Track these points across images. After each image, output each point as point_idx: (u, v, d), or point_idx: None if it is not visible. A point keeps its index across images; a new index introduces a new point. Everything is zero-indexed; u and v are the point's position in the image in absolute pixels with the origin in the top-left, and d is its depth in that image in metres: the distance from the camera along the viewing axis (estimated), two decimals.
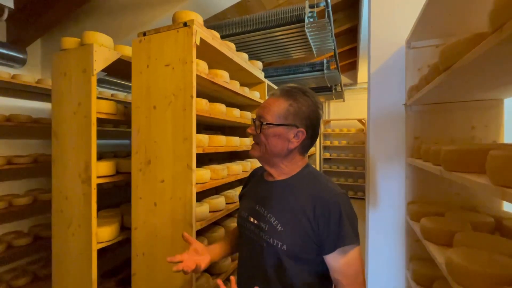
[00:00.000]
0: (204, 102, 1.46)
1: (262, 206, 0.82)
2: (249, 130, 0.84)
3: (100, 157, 1.89)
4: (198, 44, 1.29)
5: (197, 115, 1.32)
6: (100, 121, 1.57)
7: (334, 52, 3.40)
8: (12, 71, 2.62)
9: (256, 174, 0.99)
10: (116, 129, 3.17)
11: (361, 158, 6.42)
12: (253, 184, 0.96)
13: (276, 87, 2.77)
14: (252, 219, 0.83)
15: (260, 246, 0.79)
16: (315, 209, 0.73)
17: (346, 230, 0.70)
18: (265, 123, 0.79)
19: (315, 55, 3.07)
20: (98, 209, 1.57)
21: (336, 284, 0.75)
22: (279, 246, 0.74)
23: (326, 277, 0.78)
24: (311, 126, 0.80)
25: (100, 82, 3.23)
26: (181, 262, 0.78)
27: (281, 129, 0.78)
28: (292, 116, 0.78)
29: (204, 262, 0.85)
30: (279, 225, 0.76)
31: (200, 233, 1.57)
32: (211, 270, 1.63)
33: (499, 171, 0.55)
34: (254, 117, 0.85)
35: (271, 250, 0.76)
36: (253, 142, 0.86)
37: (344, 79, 6.74)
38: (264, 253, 0.78)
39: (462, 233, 0.99)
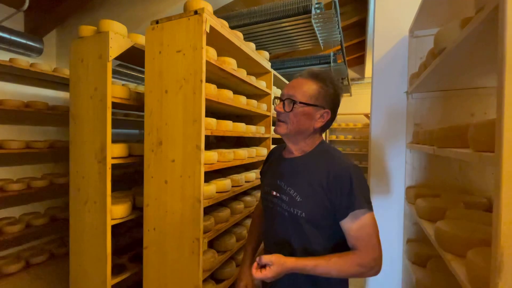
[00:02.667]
0: (212, 87, 1.54)
1: (282, 181, 0.90)
2: (277, 108, 0.88)
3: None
4: (208, 31, 1.36)
5: (206, 100, 1.39)
6: (113, 108, 1.66)
7: (341, 45, 3.42)
8: (29, 60, 2.74)
9: (275, 153, 1.07)
10: (127, 118, 3.29)
11: (367, 153, 6.42)
12: (272, 162, 1.04)
13: (283, 79, 2.83)
14: (274, 193, 0.92)
15: (282, 215, 0.88)
16: (328, 180, 0.81)
17: (356, 196, 0.77)
18: (298, 102, 0.84)
19: (322, 47, 3.11)
20: (111, 192, 1.68)
21: (352, 249, 0.80)
22: (299, 214, 0.83)
23: (343, 245, 0.84)
24: (334, 108, 0.89)
25: (112, 72, 3.34)
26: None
27: (311, 109, 0.85)
28: (321, 98, 0.85)
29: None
30: (298, 196, 0.84)
31: (207, 212, 1.66)
32: (217, 247, 1.73)
33: (477, 138, 0.62)
34: (277, 95, 0.91)
35: (292, 218, 0.85)
36: (279, 120, 0.90)
37: (352, 73, 6.72)
38: (286, 222, 0.87)
39: (454, 209, 1.05)
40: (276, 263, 0.74)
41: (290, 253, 0.85)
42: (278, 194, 0.90)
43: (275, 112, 0.90)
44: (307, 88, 0.85)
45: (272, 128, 2.44)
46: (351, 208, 0.77)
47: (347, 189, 0.78)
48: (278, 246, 0.89)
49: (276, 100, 0.92)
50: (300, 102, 0.84)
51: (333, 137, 7.04)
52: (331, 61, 3.93)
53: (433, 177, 1.58)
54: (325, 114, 0.86)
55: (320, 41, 2.86)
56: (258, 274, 0.75)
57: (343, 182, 0.79)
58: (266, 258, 0.75)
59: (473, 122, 0.65)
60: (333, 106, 0.88)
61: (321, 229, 0.83)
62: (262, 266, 0.76)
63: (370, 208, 0.79)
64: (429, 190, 1.45)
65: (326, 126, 0.90)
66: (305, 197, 0.83)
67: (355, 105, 6.87)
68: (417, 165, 1.62)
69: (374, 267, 0.76)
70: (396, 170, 1.76)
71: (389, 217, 1.80)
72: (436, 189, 1.49)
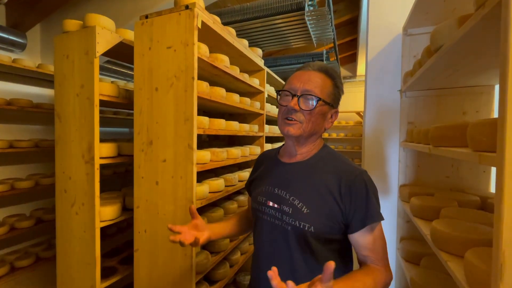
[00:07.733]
0: (205, 84, 1.49)
1: (283, 189, 0.79)
2: (292, 105, 0.74)
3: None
4: (200, 26, 1.32)
5: (198, 98, 1.35)
6: (101, 106, 1.60)
7: (334, 43, 3.42)
8: (12, 56, 2.62)
9: (267, 158, 0.95)
10: (116, 116, 3.20)
11: (359, 150, 6.49)
12: (266, 168, 0.91)
13: (276, 76, 2.80)
14: (271, 203, 0.80)
15: (283, 229, 0.76)
16: (340, 187, 0.72)
17: (373, 207, 0.70)
18: (320, 99, 0.74)
19: (315, 45, 3.09)
20: (100, 192, 1.62)
21: (364, 260, 0.74)
22: (306, 228, 0.72)
23: (346, 254, 0.78)
24: (337, 107, 0.82)
25: (100, 69, 3.24)
26: (180, 233, 0.79)
27: (327, 108, 0.76)
28: (334, 97, 0.78)
29: (202, 238, 0.84)
30: (304, 207, 0.73)
31: (200, 213, 1.63)
32: (211, 248, 1.69)
33: (477, 137, 0.60)
34: (282, 89, 0.80)
35: (297, 232, 0.74)
36: (289, 119, 0.76)
37: (344, 71, 6.76)
38: (289, 236, 0.75)
39: (448, 208, 1.05)
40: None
41: (291, 273, 0.74)
42: (276, 205, 0.78)
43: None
44: (325, 84, 0.76)
45: (266, 126, 2.41)
46: (369, 221, 0.70)
47: (362, 198, 0.70)
48: (277, 267, 0.73)
49: (283, 94, 0.78)
50: (322, 100, 0.74)
51: (325, 135, 7.07)
52: (324, 59, 3.92)
53: (425, 175, 1.58)
54: (334, 114, 0.80)
55: (313, 39, 2.84)
56: None
57: (358, 189, 0.71)
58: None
59: (473, 121, 0.65)
60: (338, 105, 0.82)
61: (329, 243, 0.73)
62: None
63: (383, 218, 0.73)
64: (422, 188, 1.46)
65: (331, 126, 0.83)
66: (313, 208, 0.72)
67: (347, 103, 6.89)
68: (410, 164, 1.62)
69: (391, 282, 0.74)
70: (390, 169, 1.77)
71: (383, 215, 1.80)
72: (428, 187, 1.50)
